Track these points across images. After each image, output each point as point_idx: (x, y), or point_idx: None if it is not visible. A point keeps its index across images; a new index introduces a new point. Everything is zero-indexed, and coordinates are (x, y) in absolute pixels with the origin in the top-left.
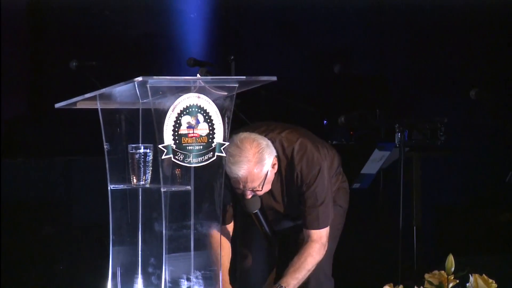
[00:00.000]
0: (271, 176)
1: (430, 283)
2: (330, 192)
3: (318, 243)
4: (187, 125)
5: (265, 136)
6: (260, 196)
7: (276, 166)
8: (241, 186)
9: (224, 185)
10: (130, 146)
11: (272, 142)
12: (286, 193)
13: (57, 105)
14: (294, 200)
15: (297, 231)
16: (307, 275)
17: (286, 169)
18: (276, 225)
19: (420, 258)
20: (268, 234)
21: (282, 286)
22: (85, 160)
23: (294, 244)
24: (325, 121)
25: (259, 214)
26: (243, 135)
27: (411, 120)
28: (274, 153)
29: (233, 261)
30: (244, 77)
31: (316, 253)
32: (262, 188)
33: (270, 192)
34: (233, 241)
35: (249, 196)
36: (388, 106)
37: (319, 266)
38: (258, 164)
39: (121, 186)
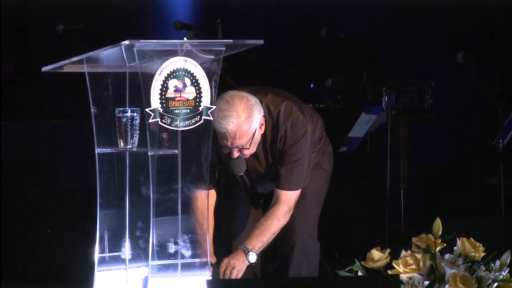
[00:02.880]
0: (258, 137)
1: (418, 246)
2: (309, 158)
3: (286, 206)
4: (174, 89)
5: None
6: (245, 159)
7: (263, 127)
8: (229, 143)
9: (211, 148)
10: (117, 109)
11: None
12: (270, 156)
13: (44, 69)
14: (277, 163)
15: None
16: (272, 238)
17: (272, 131)
18: (260, 187)
19: (407, 221)
20: (254, 196)
21: (248, 248)
22: (72, 123)
23: None
24: (312, 85)
25: (244, 176)
26: (232, 92)
27: (398, 83)
28: (262, 112)
29: (218, 224)
30: (231, 40)
31: (282, 216)
32: (249, 146)
33: (255, 154)
34: (218, 204)
35: (236, 156)
36: (375, 69)
37: (305, 229)
38: (247, 119)
39: (108, 150)
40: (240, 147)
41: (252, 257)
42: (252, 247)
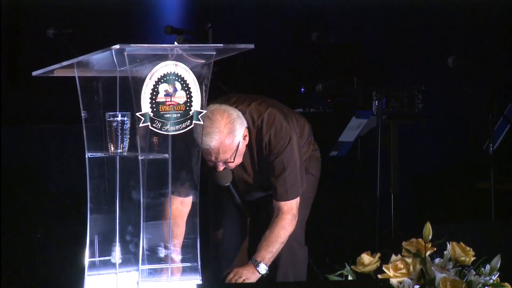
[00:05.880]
0: (242, 148)
1: (408, 251)
2: (300, 163)
3: (290, 215)
4: (165, 93)
5: (236, 108)
6: (232, 169)
7: (247, 138)
8: (213, 158)
9: None
10: (108, 114)
11: (243, 114)
12: (257, 165)
13: (34, 73)
14: (264, 172)
15: (268, 201)
16: (280, 248)
17: (256, 140)
18: (248, 196)
19: (397, 226)
20: (240, 206)
21: (257, 260)
22: (62, 128)
23: (266, 214)
24: (302, 89)
25: (230, 186)
26: (213, 106)
27: (389, 87)
28: (245, 124)
29: (206, 231)
30: (222, 44)
31: (288, 225)
32: (234, 159)
33: (241, 164)
34: (206, 211)
35: (221, 169)
36: (365, 74)
37: (291, 234)
38: (229, 134)
39: (98, 154)
40: (225, 160)
41: (262, 268)
42: (261, 259)
